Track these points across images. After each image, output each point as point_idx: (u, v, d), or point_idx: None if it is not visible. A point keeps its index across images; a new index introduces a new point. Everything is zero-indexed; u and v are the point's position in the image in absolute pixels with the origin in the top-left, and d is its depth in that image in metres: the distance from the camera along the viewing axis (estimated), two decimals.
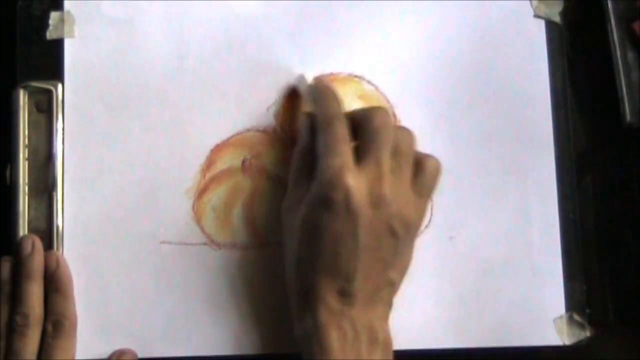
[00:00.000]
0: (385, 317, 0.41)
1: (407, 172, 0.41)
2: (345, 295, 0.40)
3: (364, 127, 0.41)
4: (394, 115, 0.47)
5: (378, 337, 0.40)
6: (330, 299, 0.39)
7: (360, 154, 0.41)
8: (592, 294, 0.47)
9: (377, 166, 0.40)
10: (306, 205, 0.40)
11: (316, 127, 0.42)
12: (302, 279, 0.41)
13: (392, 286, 0.41)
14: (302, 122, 0.44)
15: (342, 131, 0.41)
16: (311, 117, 0.43)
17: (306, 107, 0.46)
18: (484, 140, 0.47)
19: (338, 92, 0.44)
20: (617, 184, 0.49)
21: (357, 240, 0.39)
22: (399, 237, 0.40)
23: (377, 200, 0.40)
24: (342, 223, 0.39)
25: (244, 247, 0.46)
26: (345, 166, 0.40)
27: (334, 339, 0.39)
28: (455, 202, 0.47)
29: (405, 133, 0.42)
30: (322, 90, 0.44)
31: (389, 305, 0.41)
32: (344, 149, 0.40)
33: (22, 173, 0.45)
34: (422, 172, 0.42)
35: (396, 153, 0.41)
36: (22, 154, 0.45)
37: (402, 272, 0.42)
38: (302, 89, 0.46)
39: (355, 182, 0.39)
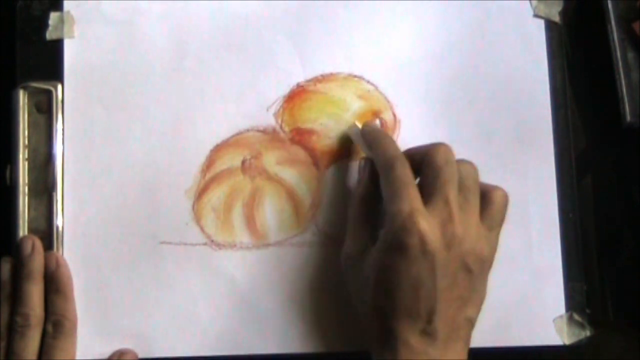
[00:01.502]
0: (463, 354, 0.41)
1: (475, 206, 0.41)
2: (426, 335, 0.39)
3: (427, 165, 0.41)
4: (394, 115, 0.47)
5: None
6: (411, 340, 0.39)
7: (427, 193, 0.40)
8: (592, 294, 0.47)
9: (446, 205, 0.40)
10: (378, 252, 0.40)
11: (378, 170, 0.42)
12: (381, 324, 0.40)
13: (470, 323, 0.41)
14: (360, 168, 0.44)
15: (405, 172, 0.40)
16: (369, 161, 0.43)
17: (360, 153, 0.46)
18: (484, 139, 0.47)
19: (391, 136, 0.44)
20: (617, 184, 0.49)
21: (434, 282, 0.39)
22: (473, 273, 0.40)
23: (450, 241, 0.39)
24: (419, 267, 0.39)
25: (244, 247, 0.46)
26: (416, 210, 0.39)
27: None
28: None
29: (468, 167, 0.42)
30: (375, 133, 0.44)
31: (466, 342, 0.41)
32: (411, 192, 0.40)
33: (22, 173, 0.45)
34: (489, 205, 0.42)
35: (462, 188, 0.41)
36: (22, 154, 0.45)
37: (479, 307, 0.41)
38: (354, 137, 0.46)
39: (428, 225, 0.39)
